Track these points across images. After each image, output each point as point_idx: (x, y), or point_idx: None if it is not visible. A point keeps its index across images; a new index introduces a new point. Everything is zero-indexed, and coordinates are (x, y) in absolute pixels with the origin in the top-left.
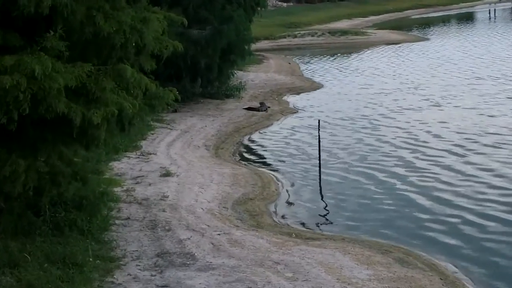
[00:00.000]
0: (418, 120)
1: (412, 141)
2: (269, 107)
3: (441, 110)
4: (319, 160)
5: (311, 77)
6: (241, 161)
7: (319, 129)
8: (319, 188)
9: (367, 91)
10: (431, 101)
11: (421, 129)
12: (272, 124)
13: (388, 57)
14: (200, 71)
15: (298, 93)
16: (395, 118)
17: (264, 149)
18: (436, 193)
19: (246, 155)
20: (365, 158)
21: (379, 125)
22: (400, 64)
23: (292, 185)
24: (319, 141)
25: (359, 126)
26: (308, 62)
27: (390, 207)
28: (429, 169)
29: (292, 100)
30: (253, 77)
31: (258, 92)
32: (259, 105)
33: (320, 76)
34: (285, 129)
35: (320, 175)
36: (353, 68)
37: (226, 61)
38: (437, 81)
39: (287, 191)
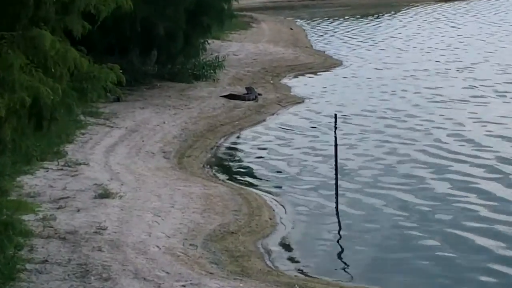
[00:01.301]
0: (470, 117)
1: (462, 151)
2: (260, 95)
3: (507, 102)
4: (336, 176)
5: (324, 50)
6: (217, 176)
7: (335, 130)
8: (334, 217)
9: (402, 71)
10: (488, 90)
11: (474, 132)
12: (264, 120)
13: (437, 21)
14: (156, 40)
15: (304, 74)
16: (438, 113)
17: (252, 157)
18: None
19: (225, 166)
20: (398, 174)
21: (418, 124)
22: (449, 32)
23: (294, 212)
24: (336, 148)
25: (390, 124)
26: (320, 27)
27: (431, 257)
28: (484, 196)
29: (295, 84)
30: (236, 50)
31: (244, 71)
32: (246, 92)
33: (337, 48)
34: (284, 128)
35: (336, 199)
36: (385, 37)
37: (196, 27)
38: (498, 58)
39: (286, 221)
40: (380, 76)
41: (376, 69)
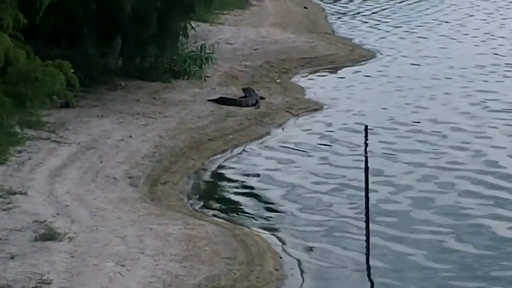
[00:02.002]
0: None
1: None
2: (262, 99)
3: None
4: (367, 216)
5: (351, 37)
6: (203, 211)
7: (366, 148)
8: (362, 272)
9: (448, 68)
10: None
11: None
12: (268, 133)
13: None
14: (120, 24)
15: (323, 70)
16: (494, 126)
17: (251, 185)
18: None
19: (214, 197)
20: (441, 211)
21: (467, 142)
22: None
23: (308, 261)
24: (367, 174)
25: (430, 140)
26: (344, 7)
27: None
28: None
29: (311, 83)
30: (230, 37)
31: (241, 67)
32: (243, 95)
33: (368, 35)
34: (294, 145)
35: (368, 243)
36: (425, 20)
37: (175, 5)
38: None
39: (297, 273)
40: (417, 74)
41: (412, 64)
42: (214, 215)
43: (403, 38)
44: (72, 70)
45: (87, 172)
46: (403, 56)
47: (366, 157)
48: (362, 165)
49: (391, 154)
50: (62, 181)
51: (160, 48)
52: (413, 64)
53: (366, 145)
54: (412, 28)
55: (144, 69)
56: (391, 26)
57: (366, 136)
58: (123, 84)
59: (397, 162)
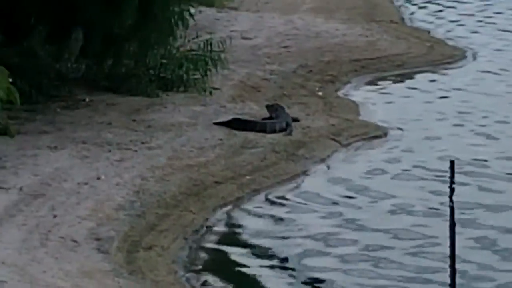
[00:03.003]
0: None
1: None
2: (296, 121)
3: None
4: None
5: (430, 28)
6: None
7: (452, 194)
8: None
9: None
10: None
11: None
12: (305, 173)
13: None
14: (81, 11)
15: (388, 78)
16: None
17: (276, 254)
18: None
19: (220, 271)
20: None
21: None
22: None
23: None
24: (453, 232)
25: None
26: None
27: None
28: None
29: (369, 98)
30: (248, 28)
31: (264, 73)
32: (268, 115)
33: (456, 26)
34: (345, 190)
35: None
36: None
37: None
38: None
39: None
40: None
41: None
42: None
43: (508, 31)
44: (11, 80)
45: (33, 232)
46: (502, 56)
47: (452, 208)
48: (446, 219)
49: (479, 204)
50: None
51: (142, 45)
52: None
53: (453, 190)
54: None
55: (119, 77)
56: (490, 12)
57: (452, 176)
58: (87, 100)
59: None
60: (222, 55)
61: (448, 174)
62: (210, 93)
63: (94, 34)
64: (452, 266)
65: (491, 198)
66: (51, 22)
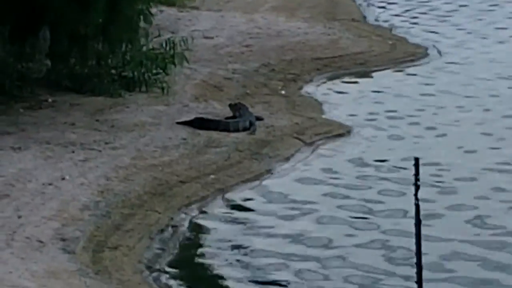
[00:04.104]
0: None
1: None
2: (259, 119)
3: None
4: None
5: (391, 26)
6: None
7: (417, 192)
8: None
9: None
10: None
11: None
12: (269, 172)
13: None
14: (47, 8)
15: (349, 75)
16: None
17: (241, 251)
18: None
19: (187, 269)
20: None
21: None
22: None
23: None
24: (419, 230)
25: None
26: None
27: None
28: None
29: (331, 96)
30: (210, 27)
31: (226, 71)
32: (231, 114)
33: (417, 24)
34: (308, 189)
35: None
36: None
37: None
38: None
39: None
40: (491, 84)
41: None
42: None
43: (471, 29)
44: None
45: None
46: (471, 53)
47: (418, 205)
48: (411, 217)
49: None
50: None
51: (108, 44)
52: (484, 67)
53: (417, 187)
54: (482, 11)
55: (82, 77)
56: (452, 9)
57: (416, 174)
58: (50, 100)
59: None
60: (183, 54)
61: (412, 172)
62: (167, 92)
63: (60, 33)
64: (418, 264)
65: (453, 197)
66: (14, 21)
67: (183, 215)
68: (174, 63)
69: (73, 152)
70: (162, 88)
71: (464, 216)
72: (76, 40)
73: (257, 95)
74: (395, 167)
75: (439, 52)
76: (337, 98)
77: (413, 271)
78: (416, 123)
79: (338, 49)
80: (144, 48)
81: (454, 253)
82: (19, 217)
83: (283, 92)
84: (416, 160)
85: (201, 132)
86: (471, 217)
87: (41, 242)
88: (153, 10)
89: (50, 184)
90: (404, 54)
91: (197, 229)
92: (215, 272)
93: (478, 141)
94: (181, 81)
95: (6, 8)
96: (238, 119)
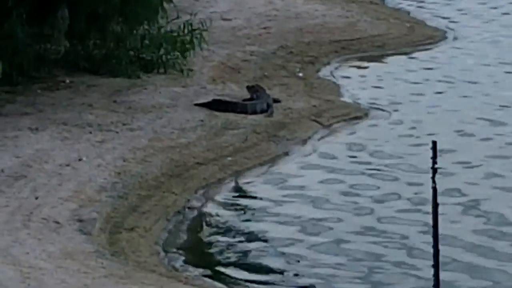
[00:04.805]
0: None
1: None
2: (277, 102)
3: None
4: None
5: (409, 8)
6: (186, 269)
7: (434, 175)
8: None
9: None
10: None
11: None
12: (286, 154)
13: None
14: None
15: (367, 59)
16: None
17: (257, 234)
18: None
19: (202, 251)
20: None
21: None
22: None
23: None
24: (436, 214)
25: None
26: None
27: None
28: None
29: (349, 78)
30: (227, 9)
31: (244, 54)
32: (248, 96)
33: (436, 6)
34: (326, 172)
35: None
36: None
37: None
38: None
39: None
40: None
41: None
42: (204, 276)
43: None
44: None
45: (15, 214)
46: (491, 36)
47: (435, 188)
48: (428, 201)
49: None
50: None
51: (126, 25)
52: (503, 52)
53: (435, 170)
54: None
55: (100, 58)
56: None
57: (434, 157)
58: (67, 81)
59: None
60: (202, 36)
61: (429, 155)
62: (188, 74)
63: (79, 13)
64: (435, 247)
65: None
66: (32, 1)
67: (200, 197)
68: (193, 48)
69: (90, 133)
70: (182, 70)
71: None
72: (94, 20)
73: (275, 77)
74: (409, 146)
75: (458, 35)
76: (355, 81)
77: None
78: (436, 106)
79: (356, 32)
80: (163, 30)
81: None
82: (36, 198)
83: (300, 74)
84: (434, 143)
85: (218, 114)
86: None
87: (57, 223)
88: None
89: (67, 165)
90: (422, 37)
91: (214, 211)
92: (231, 254)
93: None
94: (199, 62)
95: None
96: (255, 101)
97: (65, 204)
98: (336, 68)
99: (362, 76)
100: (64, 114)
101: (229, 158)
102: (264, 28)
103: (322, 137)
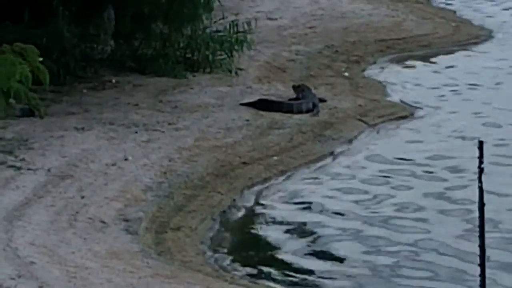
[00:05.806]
0: None
1: None
2: (323, 101)
3: None
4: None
5: (455, 7)
6: (233, 268)
7: (481, 175)
8: None
9: None
10: None
11: None
12: (332, 154)
13: None
14: None
15: (414, 58)
16: None
17: (304, 233)
18: None
19: (249, 251)
20: None
21: None
22: None
23: None
24: (482, 215)
25: None
26: None
27: None
28: None
29: (395, 78)
30: (273, 8)
31: (289, 54)
32: (294, 96)
33: (483, 5)
34: (373, 171)
35: None
36: None
37: None
38: None
39: None
40: None
41: None
42: (250, 276)
43: None
44: (40, 59)
45: (61, 213)
46: None
47: (481, 188)
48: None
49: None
50: (24, 226)
51: (170, 26)
52: None
53: (481, 170)
54: None
55: (146, 58)
56: None
57: (480, 156)
58: (113, 81)
59: None
60: (248, 36)
61: (476, 155)
62: (236, 73)
63: (124, 13)
64: (482, 247)
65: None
66: (79, 1)
67: (245, 197)
68: (241, 49)
69: (136, 132)
70: (230, 70)
71: None
72: (140, 20)
73: (321, 76)
74: (456, 146)
75: (504, 34)
76: (401, 80)
77: None
78: (486, 103)
79: (402, 31)
80: (208, 30)
81: None
82: (82, 197)
83: (346, 74)
84: (480, 143)
85: (264, 113)
86: None
87: (103, 222)
88: None
89: (113, 165)
90: (468, 36)
91: (260, 210)
92: (277, 254)
93: None
94: (245, 62)
95: None
96: (301, 100)
97: (111, 203)
98: (381, 68)
99: (408, 75)
100: (110, 114)
101: (275, 158)
102: (310, 27)
103: (367, 137)
